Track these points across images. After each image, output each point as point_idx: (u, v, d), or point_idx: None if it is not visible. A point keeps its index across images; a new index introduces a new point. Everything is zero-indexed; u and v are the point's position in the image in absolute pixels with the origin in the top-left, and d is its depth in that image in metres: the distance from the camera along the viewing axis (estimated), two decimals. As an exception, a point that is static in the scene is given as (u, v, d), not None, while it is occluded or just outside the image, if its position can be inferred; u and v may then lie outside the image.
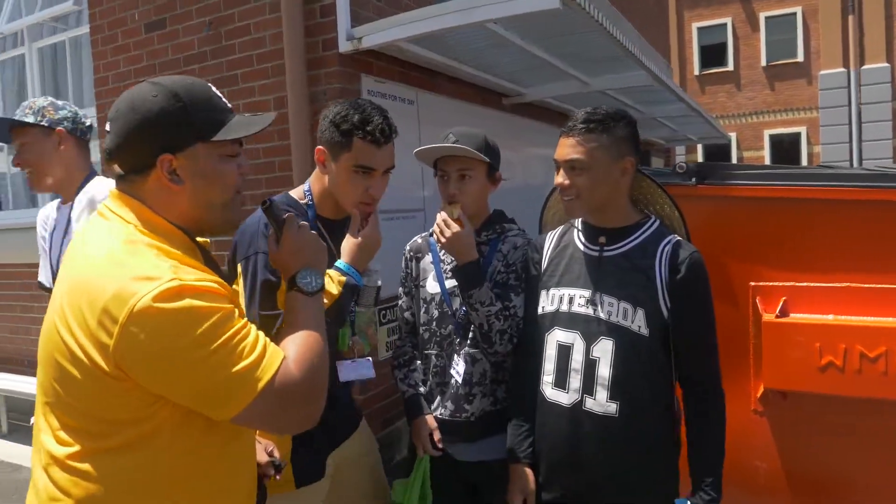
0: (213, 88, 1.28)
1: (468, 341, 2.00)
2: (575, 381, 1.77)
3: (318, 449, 1.84)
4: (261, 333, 1.17)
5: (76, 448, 1.12)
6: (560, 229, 1.99)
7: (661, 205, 1.93)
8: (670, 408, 1.80)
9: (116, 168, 1.23)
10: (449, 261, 2.05)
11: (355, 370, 1.82)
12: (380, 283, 1.86)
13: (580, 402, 1.76)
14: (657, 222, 1.84)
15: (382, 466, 2.10)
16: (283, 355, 1.16)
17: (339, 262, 1.69)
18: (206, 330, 1.07)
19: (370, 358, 1.87)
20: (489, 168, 2.02)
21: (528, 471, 1.84)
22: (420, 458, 1.99)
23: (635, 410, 1.72)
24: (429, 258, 2.12)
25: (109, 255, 1.11)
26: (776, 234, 2.28)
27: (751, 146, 19.70)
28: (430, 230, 2.16)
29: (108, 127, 1.21)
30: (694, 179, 2.36)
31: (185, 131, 1.20)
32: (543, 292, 1.89)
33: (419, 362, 2.12)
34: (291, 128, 3.54)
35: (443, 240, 1.91)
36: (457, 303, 2.02)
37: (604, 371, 1.73)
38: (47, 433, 1.15)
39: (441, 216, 1.93)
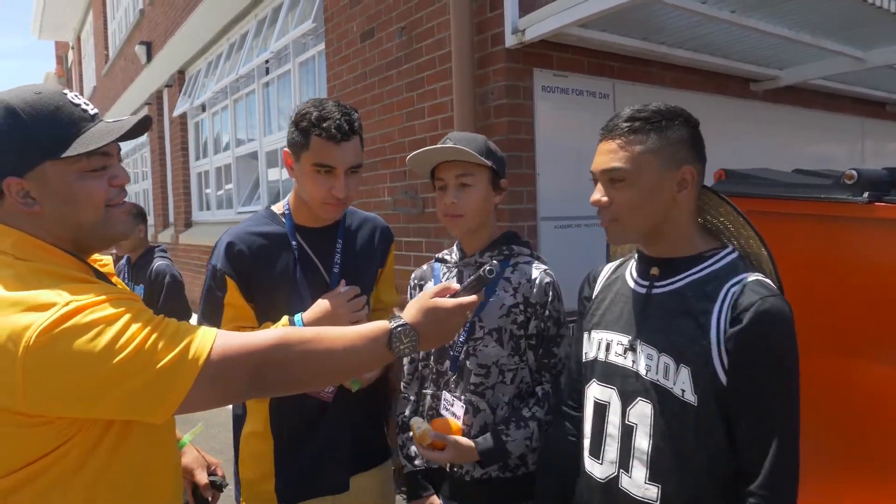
0: (69, 96, 1.14)
1: (470, 385, 1.68)
2: (611, 450, 1.36)
3: (305, 466, 1.73)
4: (186, 322, 1.10)
5: None
6: (622, 259, 1.56)
7: (746, 239, 1.38)
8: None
9: None
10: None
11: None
12: None
13: (616, 479, 1.35)
14: (734, 255, 1.33)
15: None
16: (216, 332, 1.10)
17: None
18: (114, 337, 0.99)
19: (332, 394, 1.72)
20: (493, 175, 1.70)
21: None
22: None
23: (684, 501, 1.25)
24: (430, 284, 1.84)
25: None
26: None
27: None
28: (437, 255, 1.87)
29: None
30: (867, 194, 1.64)
31: (26, 151, 1.08)
32: (586, 335, 1.50)
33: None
34: (456, 130, 3.40)
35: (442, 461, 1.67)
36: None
37: (641, 442, 1.30)
38: None
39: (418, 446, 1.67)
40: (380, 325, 1.21)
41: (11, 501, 1.04)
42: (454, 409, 1.69)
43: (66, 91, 1.15)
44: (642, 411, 1.31)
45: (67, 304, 0.99)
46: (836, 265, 1.74)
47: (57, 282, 1.05)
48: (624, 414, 1.35)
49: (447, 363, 1.73)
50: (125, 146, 12.97)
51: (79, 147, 1.09)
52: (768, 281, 1.28)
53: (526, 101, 3.38)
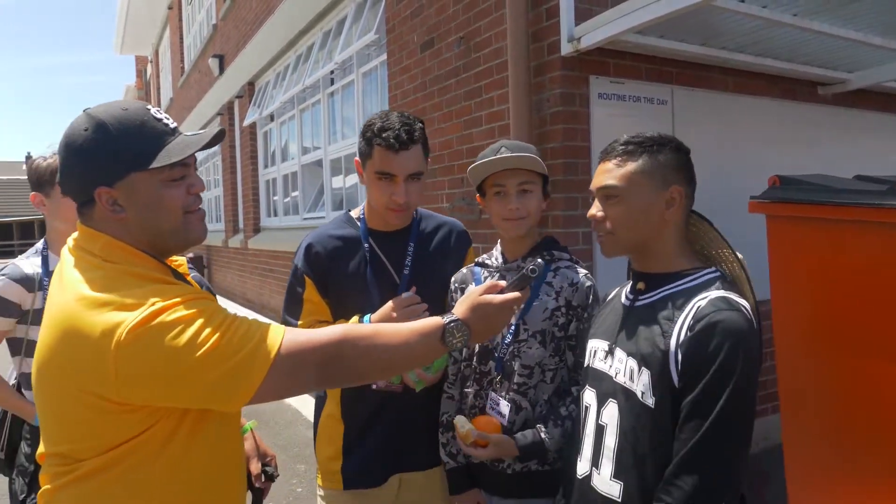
0: (152, 111, 1.24)
1: (514, 385, 1.74)
2: (587, 448, 1.48)
3: (373, 453, 1.86)
4: (257, 320, 1.20)
5: (65, 477, 1.18)
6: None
7: (731, 264, 1.46)
8: None
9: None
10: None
11: (384, 382, 1.81)
12: None
13: (589, 476, 1.45)
14: (715, 275, 1.40)
15: None
16: (284, 329, 1.19)
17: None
18: (195, 333, 1.10)
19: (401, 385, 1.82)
20: (544, 183, 1.80)
21: None
22: None
23: (643, 499, 1.31)
24: (471, 287, 1.88)
25: (86, 296, 1.13)
26: None
27: None
28: (477, 259, 1.93)
29: None
30: (922, 202, 1.61)
31: (116, 163, 1.18)
32: (587, 344, 1.62)
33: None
34: (512, 138, 3.46)
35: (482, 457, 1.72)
36: (498, 337, 1.78)
37: (609, 441, 1.41)
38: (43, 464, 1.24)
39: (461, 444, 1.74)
40: (434, 321, 1.30)
41: (102, 479, 1.17)
42: (500, 409, 1.75)
43: (149, 107, 1.26)
44: (612, 412, 1.41)
45: (153, 304, 1.10)
46: (890, 272, 1.71)
47: (141, 283, 1.16)
48: (598, 414, 1.45)
49: (491, 364, 1.79)
50: (198, 155, 13.54)
51: (163, 159, 1.20)
52: (737, 299, 1.31)
53: (582, 108, 3.41)
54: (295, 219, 8.30)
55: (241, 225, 10.63)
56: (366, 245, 1.87)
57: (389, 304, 1.76)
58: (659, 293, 1.42)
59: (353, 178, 6.48)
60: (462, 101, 4.17)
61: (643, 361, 1.35)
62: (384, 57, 5.37)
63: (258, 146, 9.73)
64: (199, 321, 1.11)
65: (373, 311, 1.79)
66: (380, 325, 1.32)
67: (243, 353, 1.12)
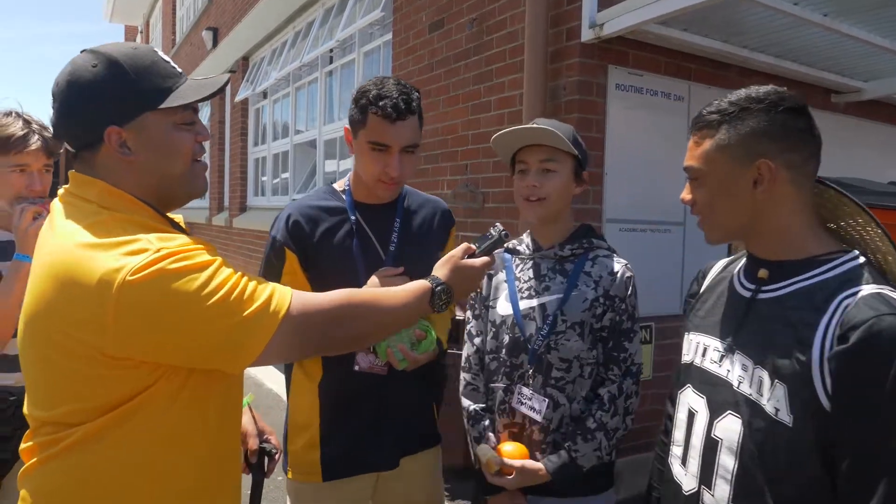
0: (160, 53, 1.17)
1: (551, 380, 1.65)
2: (693, 462, 1.27)
3: (350, 441, 1.74)
4: (262, 279, 1.14)
5: (55, 447, 1.07)
6: (733, 257, 1.44)
7: (878, 245, 1.20)
8: None
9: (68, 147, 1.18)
10: (526, 278, 1.70)
11: (367, 363, 1.73)
12: None
13: (697, 494, 1.25)
14: (857, 261, 1.15)
15: None
16: (292, 291, 1.15)
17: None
18: (204, 283, 1.02)
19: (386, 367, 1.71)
20: (576, 165, 1.67)
21: None
22: None
23: None
24: (502, 275, 1.79)
25: (84, 241, 1.03)
26: None
27: None
28: (508, 245, 1.81)
29: (51, 105, 1.18)
30: None
31: (130, 101, 1.11)
32: (685, 335, 1.41)
33: (489, 417, 1.77)
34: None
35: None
36: (531, 328, 1.67)
37: (726, 460, 1.19)
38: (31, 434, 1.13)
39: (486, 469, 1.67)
40: (422, 285, 1.34)
41: (93, 450, 1.06)
42: (532, 403, 1.65)
43: (156, 48, 1.18)
44: (730, 426, 1.19)
45: (158, 250, 1.01)
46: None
47: (142, 230, 1.06)
48: (710, 426, 1.24)
49: (523, 356, 1.68)
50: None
51: (177, 99, 1.13)
52: (894, 296, 1.07)
53: (598, 98, 3.29)
54: (283, 199, 8.11)
55: (226, 203, 10.40)
56: (352, 217, 1.75)
57: (374, 279, 1.67)
58: (788, 286, 1.18)
59: (347, 162, 6.31)
60: (471, 84, 4.03)
61: (776, 374, 1.13)
62: (388, 37, 5.22)
63: (249, 123, 9.50)
64: (208, 271, 1.04)
65: (357, 285, 1.66)
66: (377, 290, 1.36)
67: (253, 309, 1.06)
